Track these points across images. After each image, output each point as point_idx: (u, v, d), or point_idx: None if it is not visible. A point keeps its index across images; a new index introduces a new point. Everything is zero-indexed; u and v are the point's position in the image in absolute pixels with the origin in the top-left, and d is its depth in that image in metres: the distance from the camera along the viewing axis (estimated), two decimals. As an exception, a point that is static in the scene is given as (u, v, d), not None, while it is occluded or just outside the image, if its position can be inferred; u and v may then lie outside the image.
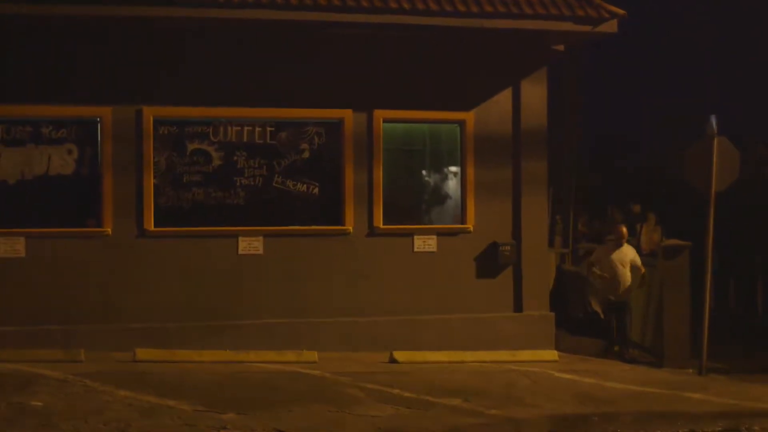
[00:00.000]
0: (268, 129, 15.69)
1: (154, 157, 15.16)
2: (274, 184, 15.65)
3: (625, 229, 16.86)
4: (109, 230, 14.93)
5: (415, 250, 15.94)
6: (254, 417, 10.91)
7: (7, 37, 14.61)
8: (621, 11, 15.91)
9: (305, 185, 15.71)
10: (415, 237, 15.95)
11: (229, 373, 13.25)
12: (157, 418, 10.69)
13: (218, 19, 14.76)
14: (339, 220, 15.77)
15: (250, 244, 15.43)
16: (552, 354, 15.54)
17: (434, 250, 16.01)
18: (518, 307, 16.21)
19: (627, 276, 16.44)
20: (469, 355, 15.10)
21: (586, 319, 17.12)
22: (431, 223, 16.18)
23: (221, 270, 15.25)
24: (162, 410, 11.00)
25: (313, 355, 14.48)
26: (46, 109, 14.87)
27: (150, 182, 15.11)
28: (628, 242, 16.95)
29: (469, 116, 16.18)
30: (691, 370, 15.34)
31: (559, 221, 23.06)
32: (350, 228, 15.73)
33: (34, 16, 14.27)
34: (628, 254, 16.55)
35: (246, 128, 15.61)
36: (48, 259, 14.71)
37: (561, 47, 16.64)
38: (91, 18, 14.46)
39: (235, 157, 15.55)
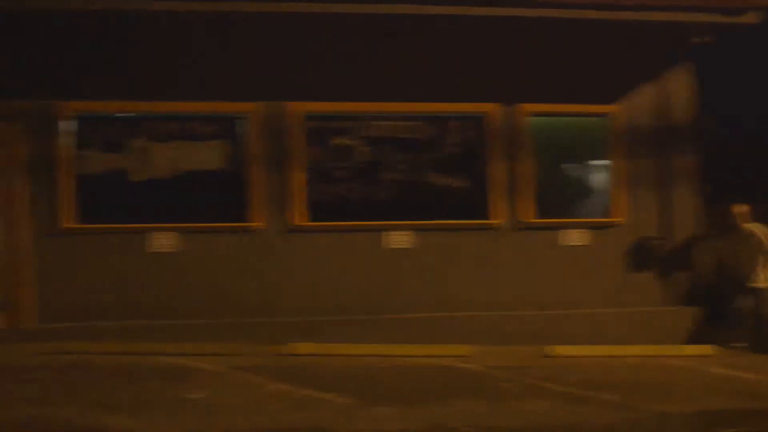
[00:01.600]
0: (414, 123, 15.71)
1: (302, 152, 15.29)
2: (419, 179, 15.67)
3: None
4: (260, 225, 15.10)
5: (564, 243, 15.83)
6: (409, 410, 10.92)
7: (167, 34, 14.86)
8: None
9: (451, 179, 15.69)
10: (564, 231, 15.84)
11: (383, 366, 13.28)
12: (312, 411, 10.77)
13: (367, 15, 14.84)
14: (485, 214, 15.71)
15: (398, 239, 15.46)
16: (706, 348, 15.28)
17: (583, 243, 15.87)
18: (669, 302, 15.99)
19: None
20: (621, 350, 14.90)
21: (739, 312, 16.74)
22: (579, 217, 16.03)
23: (369, 264, 15.32)
24: (317, 403, 11.08)
25: (466, 349, 14.42)
26: (196, 105, 15.09)
27: (298, 177, 15.24)
28: None
29: (617, 109, 16.00)
30: None
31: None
32: (496, 222, 15.67)
33: (200, 12, 14.56)
34: None
35: (392, 123, 15.66)
36: (200, 254, 14.93)
37: (705, 38, 16.35)
38: (253, 14, 14.69)
39: (382, 152, 15.61)
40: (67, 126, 14.62)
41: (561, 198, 16.05)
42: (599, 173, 16.11)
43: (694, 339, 15.66)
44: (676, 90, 16.12)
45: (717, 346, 15.50)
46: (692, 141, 16.18)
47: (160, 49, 14.91)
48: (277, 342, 14.14)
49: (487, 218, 15.69)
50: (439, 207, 15.64)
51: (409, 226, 15.45)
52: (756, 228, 16.27)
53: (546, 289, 15.64)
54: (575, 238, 15.83)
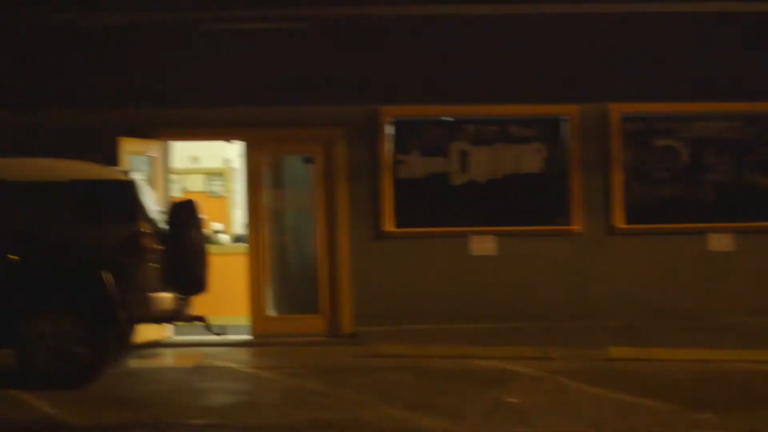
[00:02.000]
0: (737, 124, 15.23)
1: (621, 154, 15.08)
2: (743, 181, 15.19)
3: None
4: (579, 228, 15.00)
5: None
6: (731, 417, 10.56)
7: (480, 37, 15.00)
8: None
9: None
10: None
11: (704, 371, 12.91)
12: (630, 417, 10.57)
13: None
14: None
15: (720, 241, 15.03)
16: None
17: None
18: None
19: None
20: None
21: None
22: None
23: (691, 267, 14.96)
24: (636, 408, 10.88)
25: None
26: (513, 109, 15.15)
27: (618, 179, 15.06)
28: None
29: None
30: None
31: None
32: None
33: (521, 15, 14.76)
34: None
35: (714, 123, 15.23)
36: (518, 257, 14.98)
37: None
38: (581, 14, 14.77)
39: (704, 153, 15.20)
40: (386, 131, 14.97)
41: None
42: None
43: None
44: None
45: None
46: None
47: (471, 52, 15.05)
48: (594, 346, 14.00)
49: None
50: (763, 209, 15.10)
51: (731, 229, 14.99)
52: None
53: None
54: None
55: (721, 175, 15.22)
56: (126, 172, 12.60)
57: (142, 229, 12.01)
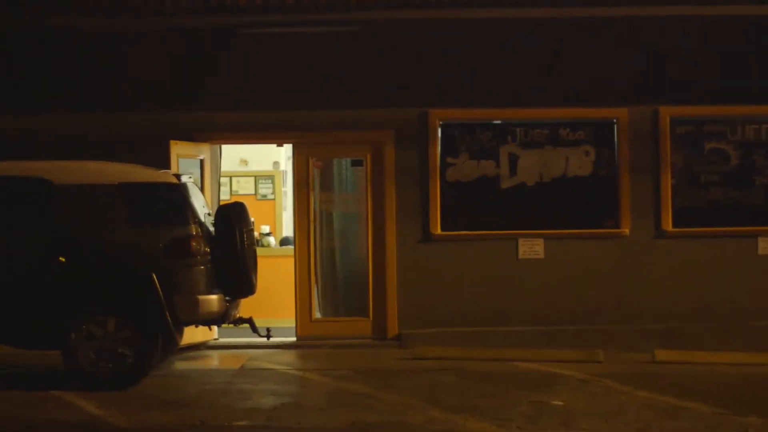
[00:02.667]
0: (788, 127, 15.17)
1: (670, 157, 15.01)
2: (794, 184, 15.12)
3: None
4: (627, 231, 14.94)
5: None
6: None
7: (533, 39, 15.02)
8: None
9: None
10: None
11: (750, 375, 12.84)
12: (676, 420, 10.54)
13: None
14: None
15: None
16: None
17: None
18: None
19: None
20: None
21: None
22: None
23: (740, 271, 14.85)
24: (681, 412, 10.84)
25: None
26: (563, 112, 15.11)
27: (667, 182, 14.98)
28: None
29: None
30: None
31: None
32: None
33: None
34: None
35: (764, 126, 15.12)
36: (565, 261, 14.93)
37: None
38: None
39: (754, 156, 15.09)
40: (434, 133, 14.98)
41: None
42: None
43: None
44: None
45: None
46: None
47: (521, 55, 15.05)
48: (640, 349, 13.93)
49: None
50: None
51: (780, 233, 14.94)
52: None
53: None
54: None
55: (771, 179, 15.12)
56: (176, 175, 12.70)
57: (191, 232, 12.11)
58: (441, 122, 15.05)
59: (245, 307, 13.32)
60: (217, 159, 15.44)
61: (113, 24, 14.66)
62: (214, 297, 12.25)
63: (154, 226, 12.19)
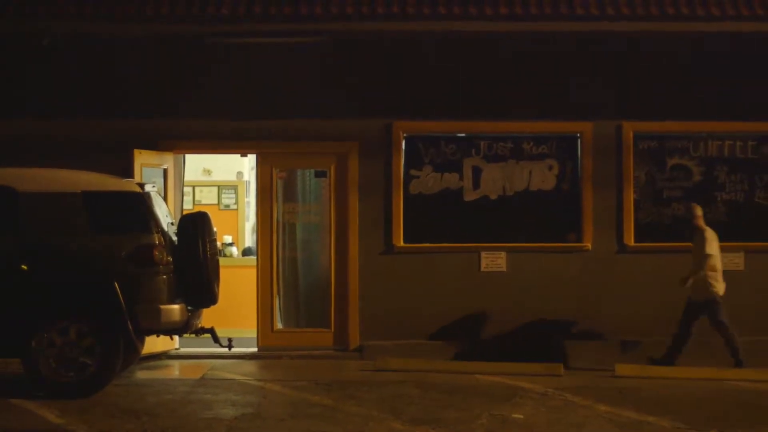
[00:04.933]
0: (750, 143, 15.24)
1: (633, 172, 15.10)
2: (756, 200, 15.20)
3: None
4: (589, 245, 15.01)
5: None
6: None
7: (495, 55, 15.08)
8: None
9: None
10: None
11: (709, 390, 12.91)
12: (635, 434, 10.63)
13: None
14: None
15: (731, 260, 14.98)
16: None
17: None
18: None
19: None
20: None
21: None
22: None
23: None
24: (642, 426, 10.89)
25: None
26: (527, 125, 15.18)
27: (630, 197, 15.08)
28: None
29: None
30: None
31: None
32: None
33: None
34: None
35: (727, 142, 15.24)
36: (528, 274, 14.98)
37: None
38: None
39: (716, 172, 15.21)
40: (398, 145, 15.01)
41: None
42: None
43: None
44: None
45: None
46: None
47: (486, 69, 15.11)
48: (601, 364, 13.99)
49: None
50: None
51: (740, 248, 15.01)
52: None
53: None
54: None
55: (733, 194, 15.21)
56: (139, 184, 12.66)
57: (153, 241, 12.08)
58: (405, 134, 15.08)
59: (207, 317, 13.29)
60: (180, 168, 15.41)
61: (79, 30, 14.60)
62: (175, 306, 12.22)
63: (117, 234, 12.15)
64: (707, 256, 13.99)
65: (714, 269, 14.01)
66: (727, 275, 14.64)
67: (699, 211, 14.25)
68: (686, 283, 14.02)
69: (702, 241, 14.06)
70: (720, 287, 14.04)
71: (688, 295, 14.06)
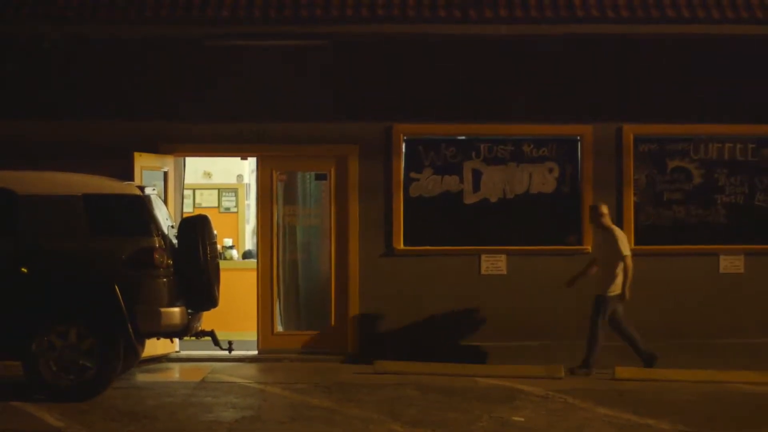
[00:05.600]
0: (750, 146, 15.25)
1: (634, 175, 15.10)
2: (756, 202, 15.20)
3: None
4: (589, 247, 15.00)
5: None
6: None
7: (496, 57, 15.09)
8: None
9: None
10: None
11: (709, 392, 12.92)
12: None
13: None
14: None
15: (731, 263, 15.02)
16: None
17: None
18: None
19: None
20: None
21: None
22: None
23: (701, 288, 14.97)
24: (640, 429, 10.91)
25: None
26: (527, 128, 15.18)
27: (630, 200, 15.08)
28: None
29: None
30: None
31: None
32: None
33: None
34: None
35: (727, 145, 15.25)
36: (528, 277, 14.98)
37: None
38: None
39: (716, 175, 15.22)
40: (398, 148, 15.01)
41: None
42: None
43: None
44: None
45: None
46: None
47: (486, 71, 15.11)
48: (601, 366, 13.98)
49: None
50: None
51: (743, 251, 15.02)
52: None
53: None
54: None
55: (734, 197, 15.21)
56: (140, 187, 12.67)
57: (154, 244, 12.08)
58: (405, 137, 15.08)
59: (207, 319, 13.28)
60: (180, 171, 15.42)
61: (78, 33, 14.61)
62: (176, 309, 12.21)
63: (117, 237, 12.15)
64: (626, 257, 13.98)
65: (628, 269, 13.97)
66: (728, 278, 14.71)
67: (605, 210, 14.26)
68: (573, 284, 14.22)
69: (615, 240, 14.04)
70: (615, 286, 13.99)
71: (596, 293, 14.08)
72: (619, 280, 13.99)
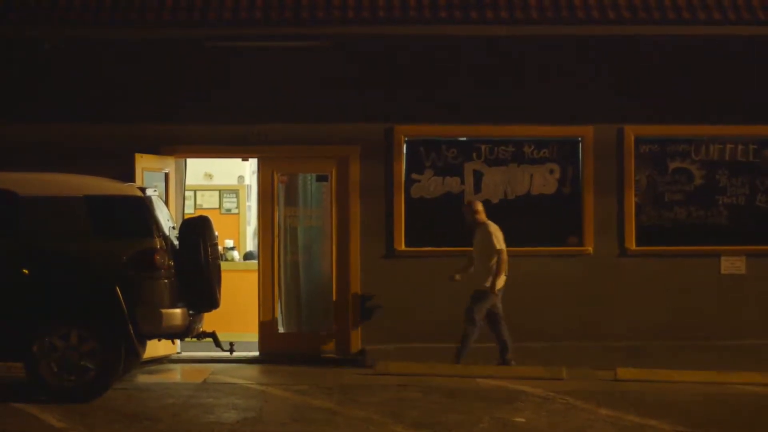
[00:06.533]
0: (751, 147, 15.25)
1: (635, 176, 15.10)
2: (757, 203, 15.20)
3: None
4: (591, 249, 15.01)
5: None
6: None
7: (487, 59, 15.08)
8: None
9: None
10: None
11: (710, 393, 12.91)
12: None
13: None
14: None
15: (733, 264, 15.02)
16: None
17: None
18: None
19: None
20: None
21: None
22: None
23: (702, 290, 14.97)
24: (642, 430, 10.89)
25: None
26: (528, 129, 15.18)
27: (631, 201, 15.09)
28: None
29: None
30: None
31: None
32: None
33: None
34: None
35: (728, 146, 15.25)
36: (528, 278, 14.94)
37: None
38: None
39: (717, 176, 15.22)
40: (400, 150, 15.00)
41: None
42: None
43: None
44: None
45: None
46: None
47: (487, 72, 15.11)
48: (603, 367, 13.98)
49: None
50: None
51: (744, 252, 15.02)
52: None
53: None
54: None
55: (735, 198, 15.21)
56: (141, 188, 12.66)
57: (155, 245, 12.07)
58: (406, 138, 15.09)
59: (209, 321, 13.28)
60: (182, 172, 15.42)
61: (80, 35, 14.62)
62: (177, 310, 12.21)
63: (119, 238, 12.14)
64: (500, 251, 13.97)
65: (501, 262, 13.97)
66: (729, 279, 14.72)
67: (479, 207, 14.27)
68: (455, 278, 14.20)
69: (489, 235, 14.05)
70: (499, 282, 14.00)
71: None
72: (495, 271, 13.98)
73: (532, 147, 15.24)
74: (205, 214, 13.83)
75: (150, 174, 14.70)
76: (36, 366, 11.83)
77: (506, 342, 14.07)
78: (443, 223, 15.13)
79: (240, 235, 18.33)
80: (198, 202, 18.12)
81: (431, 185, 15.15)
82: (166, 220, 12.87)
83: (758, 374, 13.84)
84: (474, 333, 13.96)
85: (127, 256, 11.98)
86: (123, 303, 11.80)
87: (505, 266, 13.98)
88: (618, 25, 14.59)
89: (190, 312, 12.47)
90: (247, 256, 17.43)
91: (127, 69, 14.95)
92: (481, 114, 15.11)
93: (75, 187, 12.37)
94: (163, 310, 12.09)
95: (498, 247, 13.95)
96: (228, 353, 13.18)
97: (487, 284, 13.95)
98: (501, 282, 14.01)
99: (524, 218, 15.18)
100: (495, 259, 13.94)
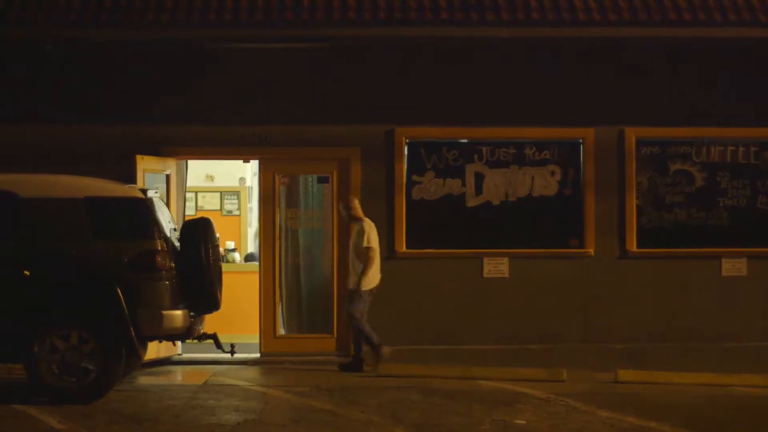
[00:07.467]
0: (752, 149, 15.25)
1: (636, 178, 15.10)
2: (758, 205, 15.20)
3: None
4: (592, 251, 15.01)
5: None
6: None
7: (497, 60, 15.09)
8: None
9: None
10: None
11: (711, 395, 12.92)
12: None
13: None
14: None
15: (734, 266, 15.03)
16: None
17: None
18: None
19: None
20: None
21: None
22: None
23: (703, 292, 15.00)
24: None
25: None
26: (529, 131, 15.18)
27: (632, 203, 15.08)
28: None
29: None
30: None
31: None
32: None
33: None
34: None
35: (729, 148, 15.24)
36: (530, 280, 14.98)
37: None
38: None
39: (718, 178, 15.21)
40: (401, 151, 15.00)
41: None
42: None
43: None
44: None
45: None
46: None
47: (488, 75, 15.11)
48: (603, 369, 13.98)
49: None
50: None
51: (743, 254, 15.01)
52: None
53: None
54: None
55: (736, 200, 15.21)
56: (142, 190, 12.66)
57: (156, 247, 12.07)
58: (407, 140, 15.09)
59: (210, 322, 13.28)
60: (183, 174, 15.42)
61: (81, 36, 14.62)
62: (178, 312, 12.21)
63: (120, 240, 12.14)
64: (369, 249, 13.96)
65: (370, 260, 13.96)
66: (730, 281, 14.71)
67: (356, 203, 14.24)
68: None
69: (362, 233, 14.04)
70: (372, 281, 14.01)
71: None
72: (371, 273, 13.98)
73: (534, 149, 15.23)
74: (206, 215, 13.83)
75: (151, 175, 14.70)
76: (36, 367, 11.82)
77: (361, 345, 14.08)
78: (444, 224, 15.12)
79: (241, 237, 18.34)
80: (199, 203, 18.13)
81: (432, 187, 15.14)
82: (168, 221, 12.87)
83: (759, 376, 13.86)
84: (364, 325, 13.95)
85: (128, 258, 11.98)
86: (124, 304, 11.80)
87: (375, 265, 13.97)
88: (619, 27, 14.58)
89: (191, 313, 12.48)
90: (248, 258, 17.43)
91: (128, 70, 14.95)
92: (483, 116, 15.10)
93: (76, 188, 12.37)
94: (164, 312, 12.09)
95: (368, 245, 13.95)
96: (229, 355, 13.20)
97: (352, 286, 13.99)
98: (373, 281, 14.02)
99: (525, 220, 15.18)
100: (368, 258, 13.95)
